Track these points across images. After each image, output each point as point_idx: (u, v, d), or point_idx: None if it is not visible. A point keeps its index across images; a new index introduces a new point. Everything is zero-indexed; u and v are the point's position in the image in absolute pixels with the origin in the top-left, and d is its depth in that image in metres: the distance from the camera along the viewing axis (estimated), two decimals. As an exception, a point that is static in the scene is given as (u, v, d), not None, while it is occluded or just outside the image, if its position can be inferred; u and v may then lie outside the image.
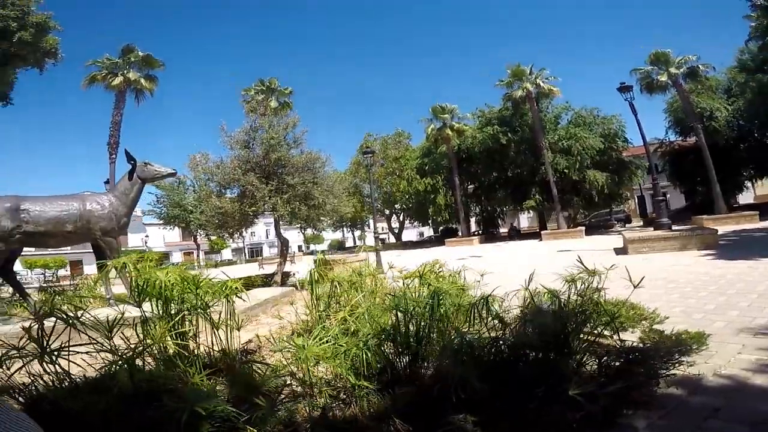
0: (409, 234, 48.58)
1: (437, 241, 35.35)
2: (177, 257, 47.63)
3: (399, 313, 2.46)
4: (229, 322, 3.03)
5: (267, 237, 54.91)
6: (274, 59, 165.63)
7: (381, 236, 56.17)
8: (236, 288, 3.24)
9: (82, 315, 2.24)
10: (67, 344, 1.95)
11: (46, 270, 30.32)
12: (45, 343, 1.93)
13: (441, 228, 39.10)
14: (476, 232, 42.22)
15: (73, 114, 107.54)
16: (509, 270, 9.83)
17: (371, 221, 52.71)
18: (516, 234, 35.10)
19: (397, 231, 41.70)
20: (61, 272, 30.13)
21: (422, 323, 2.58)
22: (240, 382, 2.09)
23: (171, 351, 2.42)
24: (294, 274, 14.16)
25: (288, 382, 2.31)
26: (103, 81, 21.22)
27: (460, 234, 32.15)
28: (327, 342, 2.42)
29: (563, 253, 13.69)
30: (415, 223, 41.90)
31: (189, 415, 1.31)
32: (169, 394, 1.60)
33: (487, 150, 29.18)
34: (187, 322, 2.81)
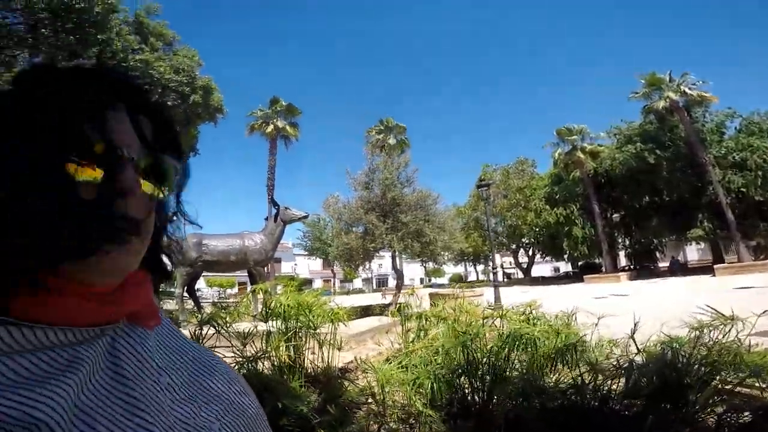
0: (541, 269, 44.62)
1: (575, 277, 31.60)
2: (318, 283, 53.28)
3: (467, 351, 2.59)
4: (332, 342, 3.57)
5: (400, 268, 57.45)
6: (391, 100, 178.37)
7: (508, 271, 52.93)
8: (340, 315, 3.80)
9: (228, 326, 3.04)
10: (213, 347, 2.70)
11: (220, 288, 37.69)
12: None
13: (581, 263, 34.94)
14: (626, 268, 36.25)
15: (240, 158, 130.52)
16: (651, 311, 8.37)
17: (496, 255, 50.43)
18: (679, 269, 28.93)
19: (525, 266, 38.80)
20: (232, 291, 36.94)
21: (496, 362, 2.64)
22: (327, 392, 2.51)
23: (283, 359, 3.03)
24: (409, 305, 14.68)
25: (369, 400, 2.65)
26: (259, 129, 26.19)
27: (603, 270, 28.18)
28: (404, 369, 2.70)
29: (739, 290, 10.95)
30: (548, 258, 38.40)
31: (272, 408, 1.77)
32: (268, 391, 2.11)
33: (631, 171, 25.45)
34: (299, 339, 3.45)
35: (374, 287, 50.28)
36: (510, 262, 48.63)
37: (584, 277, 27.06)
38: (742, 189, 22.83)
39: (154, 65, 11.88)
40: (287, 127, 26.66)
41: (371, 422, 2.35)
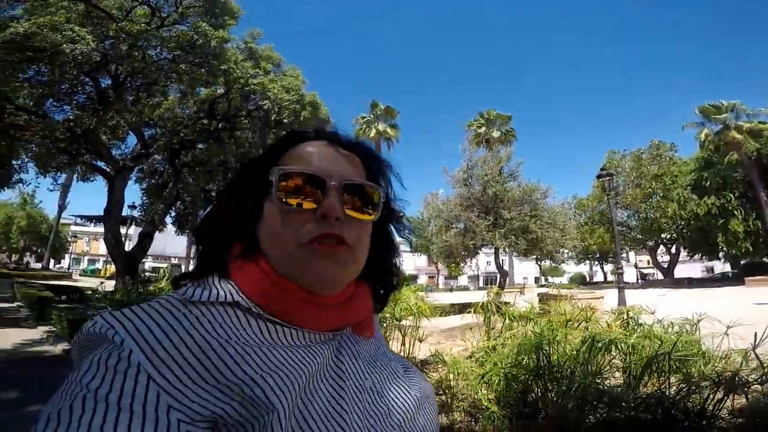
0: (687, 269, 37.46)
1: (734, 278, 25.70)
2: (422, 279, 54.05)
3: (540, 353, 2.57)
4: (413, 334, 3.82)
5: (510, 267, 54.81)
6: (491, 90, 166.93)
7: (645, 272, 45.69)
8: (423, 309, 4.03)
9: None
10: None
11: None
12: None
13: (743, 262, 28.27)
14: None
15: None
16: None
17: (630, 253, 43.73)
18: None
19: (667, 265, 32.92)
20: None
21: (574, 367, 2.54)
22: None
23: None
24: (514, 305, 13.90)
25: (439, 392, 2.81)
26: (363, 134, 27.66)
27: (774, 272, 22.36)
28: (481, 365, 2.79)
29: None
30: (697, 257, 31.99)
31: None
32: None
33: None
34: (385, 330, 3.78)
35: (480, 285, 48.75)
36: (648, 261, 41.92)
37: (746, 279, 21.83)
38: None
39: (269, 87, 13.38)
40: (388, 129, 27.66)
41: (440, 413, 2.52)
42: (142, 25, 11.27)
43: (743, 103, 23.05)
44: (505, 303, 14.59)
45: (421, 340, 3.63)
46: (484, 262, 51.05)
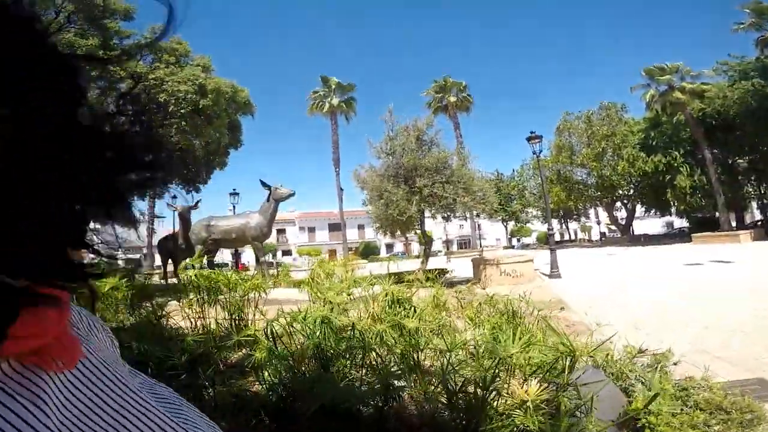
0: (647, 225, 38.72)
1: (687, 234, 26.76)
2: (399, 247, 54.31)
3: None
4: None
5: (478, 230, 55.69)
6: (448, 57, 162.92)
7: (604, 230, 47.06)
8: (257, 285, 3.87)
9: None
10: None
11: (307, 256, 41.33)
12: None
13: (698, 216, 29.36)
14: (758, 223, 29.31)
15: (307, 137, 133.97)
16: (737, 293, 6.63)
17: (596, 210, 44.78)
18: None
19: (624, 222, 33.86)
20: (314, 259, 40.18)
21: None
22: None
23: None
24: (452, 271, 13.97)
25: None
26: (318, 110, 27.18)
27: (721, 227, 23.30)
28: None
29: None
30: (655, 213, 32.99)
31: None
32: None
33: (752, 111, 20.24)
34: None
35: (454, 249, 49.71)
36: (607, 218, 43.32)
37: (693, 235, 22.72)
38: None
39: (166, 80, 13.70)
40: (342, 104, 27.15)
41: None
42: None
43: (687, 65, 23.45)
44: (441, 270, 14.46)
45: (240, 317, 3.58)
46: (457, 226, 51.75)
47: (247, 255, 44.93)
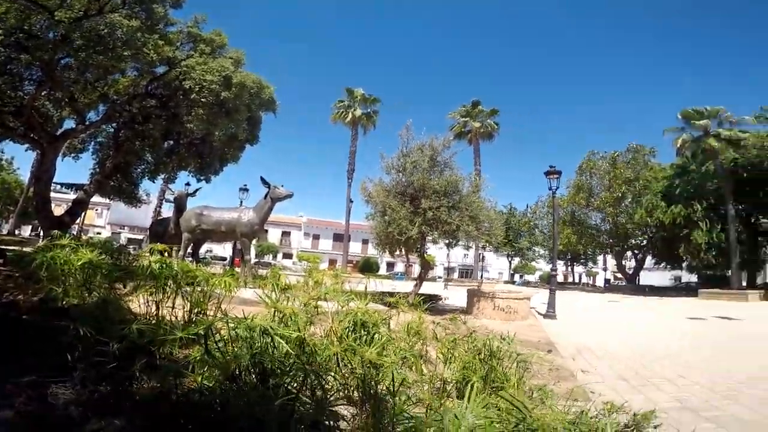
0: (655, 277, 37.52)
1: (694, 289, 25.84)
2: (400, 267, 53.65)
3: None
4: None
5: (482, 261, 54.84)
6: (481, 84, 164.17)
7: (610, 277, 45.85)
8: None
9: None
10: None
11: (306, 262, 40.94)
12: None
13: (709, 273, 28.37)
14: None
15: (327, 144, 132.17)
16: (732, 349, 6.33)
17: (604, 257, 43.73)
18: None
19: (631, 272, 32.89)
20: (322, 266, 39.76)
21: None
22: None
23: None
24: (445, 298, 13.65)
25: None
26: (341, 119, 27.47)
27: (732, 284, 22.41)
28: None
29: None
30: (664, 265, 32.01)
31: None
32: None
33: None
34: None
35: (456, 276, 48.85)
36: (613, 265, 42.21)
37: (700, 291, 21.86)
38: None
39: (195, 68, 14.19)
40: (365, 116, 27.46)
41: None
42: (78, 12, 11.66)
43: (728, 110, 22.03)
44: (434, 297, 13.96)
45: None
46: (461, 254, 50.96)
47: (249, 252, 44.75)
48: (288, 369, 2.13)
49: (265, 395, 1.87)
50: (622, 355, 6.01)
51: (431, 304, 11.35)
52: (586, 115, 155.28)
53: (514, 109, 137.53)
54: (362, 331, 2.45)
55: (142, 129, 16.01)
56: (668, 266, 30.60)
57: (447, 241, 10.46)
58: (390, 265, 52.07)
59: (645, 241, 29.61)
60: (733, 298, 19.20)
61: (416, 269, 49.72)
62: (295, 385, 2.11)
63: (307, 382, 2.09)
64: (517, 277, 52.27)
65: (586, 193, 27.14)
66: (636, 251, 31.49)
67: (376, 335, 2.79)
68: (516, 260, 45.96)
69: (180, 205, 8.90)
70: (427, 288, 20.72)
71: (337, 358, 2.30)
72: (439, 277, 41.42)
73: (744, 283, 24.77)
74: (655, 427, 2.49)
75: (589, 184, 27.19)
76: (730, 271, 23.27)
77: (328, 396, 2.01)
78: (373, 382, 2.14)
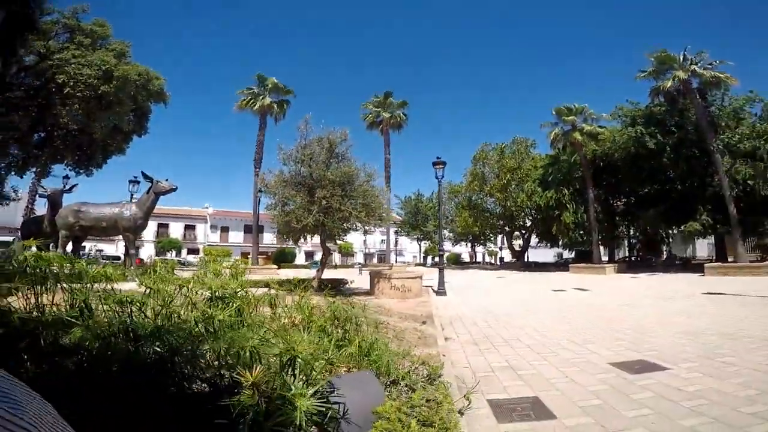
0: (540, 254, 43.34)
1: (568, 265, 30.66)
2: (318, 256, 53.94)
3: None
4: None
5: (396, 245, 57.40)
6: (390, 77, 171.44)
7: (504, 256, 51.78)
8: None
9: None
10: None
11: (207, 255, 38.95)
12: None
13: (580, 250, 33.73)
14: (626, 259, 34.71)
15: (233, 133, 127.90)
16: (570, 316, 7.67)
17: (502, 238, 49.09)
18: (674, 264, 27.62)
19: (520, 249, 37.59)
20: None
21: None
22: None
23: None
24: (351, 282, 14.30)
25: None
26: (248, 107, 26.46)
27: (594, 259, 27.08)
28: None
29: (707, 297, 10.16)
30: (547, 243, 37.21)
31: None
32: None
33: (632, 156, 23.85)
34: None
35: (375, 261, 50.81)
36: (502, 245, 47.76)
37: (570, 265, 26.12)
38: (749, 181, 20.99)
39: (71, 62, 13.33)
40: (275, 105, 26.74)
41: None
42: None
43: (590, 107, 25.86)
44: (338, 280, 14.43)
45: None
46: (379, 239, 52.83)
47: (148, 250, 40.90)
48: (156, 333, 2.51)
49: (135, 352, 2.23)
50: (483, 324, 6.96)
51: (337, 288, 11.94)
52: (481, 107, 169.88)
53: (423, 101, 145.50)
54: (220, 303, 2.90)
55: (8, 120, 14.21)
56: (549, 244, 35.64)
57: (343, 228, 11.12)
58: (309, 255, 51.79)
59: (530, 222, 33.94)
60: (594, 272, 23.04)
61: (337, 257, 50.49)
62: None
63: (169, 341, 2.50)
64: (429, 260, 56.02)
65: (480, 180, 30.24)
66: (523, 231, 35.98)
67: (231, 303, 3.27)
68: (425, 243, 49.11)
69: (54, 203, 8.18)
70: (340, 274, 21.37)
71: (195, 322, 2.73)
72: (357, 263, 42.61)
73: (606, 258, 29.99)
74: (440, 376, 3.22)
75: (482, 172, 30.36)
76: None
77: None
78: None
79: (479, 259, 55.63)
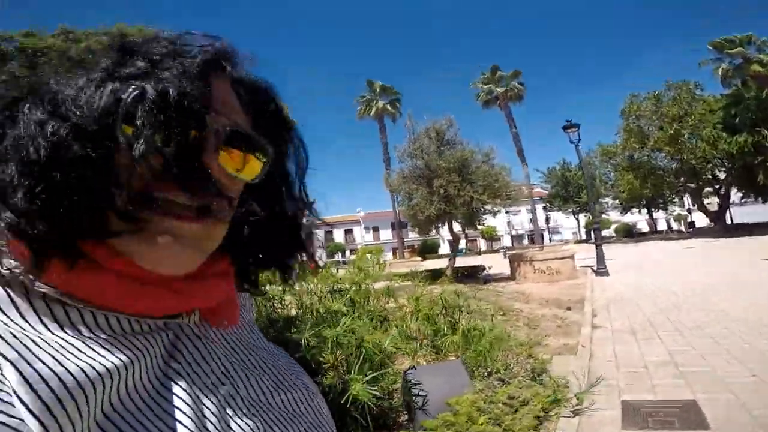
0: (749, 214, 33.17)
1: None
2: (463, 243, 54.04)
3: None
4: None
5: (548, 223, 52.97)
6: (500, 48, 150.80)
7: (690, 220, 41.31)
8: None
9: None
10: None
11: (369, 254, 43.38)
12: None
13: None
14: None
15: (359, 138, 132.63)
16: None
17: (686, 198, 39.48)
18: None
19: (717, 210, 29.49)
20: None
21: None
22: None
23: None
24: (490, 268, 13.83)
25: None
26: (365, 114, 28.77)
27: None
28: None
29: None
30: (756, 199, 28.48)
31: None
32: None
33: None
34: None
35: (525, 243, 48.15)
36: (690, 206, 38.18)
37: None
38: None
39: None
40: (388, 106, 28.37)
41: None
42: None
43: (755, 35, 20.28)
44: (475, 267, 14.49)
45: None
46: (526, 218, 49.57)
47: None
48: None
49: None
50: (650, 308, 5.92)
51: (472, 275, 11.92)
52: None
53: (536, 70, 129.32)
54: (337, 295, 3.22)
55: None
56: (761, 199, 27.28)
57: (469, 213, 11.30)
58: (452, 243, 52.43)
59: (723, 174, 26.90)
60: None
61: (481, 243, 49.72)
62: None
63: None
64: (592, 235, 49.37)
65: (638, 135, 25.48)
66: (717, 186, 28.52)
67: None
68: (584, 216, 43.61)
69: None
70: (483, 260, 21.20)
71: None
72: (503, 247, 41.10)
73: None
74: (543, 371, 3.12)
75: (638, 126, 25.46)
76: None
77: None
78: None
79: (661, 227, 46.29)
